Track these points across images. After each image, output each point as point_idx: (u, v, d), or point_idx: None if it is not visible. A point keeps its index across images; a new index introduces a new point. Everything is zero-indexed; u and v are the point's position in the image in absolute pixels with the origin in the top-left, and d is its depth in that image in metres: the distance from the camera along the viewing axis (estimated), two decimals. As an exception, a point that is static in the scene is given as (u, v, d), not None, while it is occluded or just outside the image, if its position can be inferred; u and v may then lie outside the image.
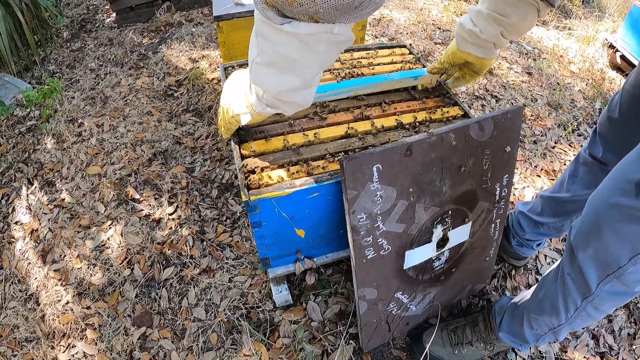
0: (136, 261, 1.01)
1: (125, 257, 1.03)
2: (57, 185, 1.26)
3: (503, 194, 0.76)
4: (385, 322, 0.80)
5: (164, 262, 1.01)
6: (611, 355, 0.89)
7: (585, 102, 1.69)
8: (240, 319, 0.89)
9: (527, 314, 0.71)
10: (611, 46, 1.93)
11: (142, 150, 1.32)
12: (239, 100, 0.63)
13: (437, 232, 0.72)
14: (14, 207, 1.22)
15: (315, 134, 0.74)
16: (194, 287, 0.96)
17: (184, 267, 1.00)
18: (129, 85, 1.62)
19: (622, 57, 1.84)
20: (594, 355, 0.88)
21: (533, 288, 0.74)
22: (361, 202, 0.59)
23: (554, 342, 0.88)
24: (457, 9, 2.34)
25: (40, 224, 1.16)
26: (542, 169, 1.34)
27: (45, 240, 1.11)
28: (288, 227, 0.72)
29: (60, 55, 1.90)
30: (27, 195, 1.24)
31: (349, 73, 0.89)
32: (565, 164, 1.38)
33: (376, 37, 1.97)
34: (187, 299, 0.94)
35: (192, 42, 1.86)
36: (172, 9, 2.12)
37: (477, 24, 0.71)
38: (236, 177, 1.23)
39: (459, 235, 0.76)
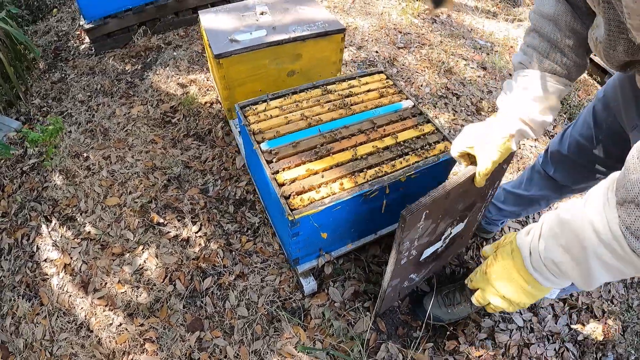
0: (176, 277, 1.20)
1: (166, 275, 1.21)
2: (78, 219, 1.40)
3: (491, 192, 0.98)
4: (397, 293, 1.05)
5: (201, 275, 1.21)
6: (571, 298, 1.21)
7: None
8: (277, 310, 1.12)
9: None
10: None
11: (155, 177, 1.48)
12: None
13: (447, 233, 0.95)
14: (37, 246, 1.35)
15: (330, 164, 0.97)
16: (233, 290, 1.17)
17: (220, 275, 1.21)
18: (124, 115, 1.75)
19: None
20: (557, 301, 1.20)
21: None
22: (409, 236, 0.78)
23: None
24: (414, 10, 2.62)
25: (71, 258, 1.30)
26: (510, 166, 1.65)
27: (81, 272, 1.27)
28: (316, 232, 0.96)
29: (42, 88, 1.98)
30: (49, 232, 1.38)
31: (344, 106, 1.13)
32: (531, 160, 1.67)
33: (346, 47, 2.20)
34: (229, 301, 1.15)
35: (176, 66, 2.00)
36: (148, 33, 2.23)
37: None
38: (247, 192, 1.44)
39: (459, 228, 0.98)
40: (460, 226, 0.99)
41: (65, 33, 2.42)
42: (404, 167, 0.96)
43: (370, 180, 0.92)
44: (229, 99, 1.47)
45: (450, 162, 1.04)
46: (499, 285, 0.54)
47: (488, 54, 2.29)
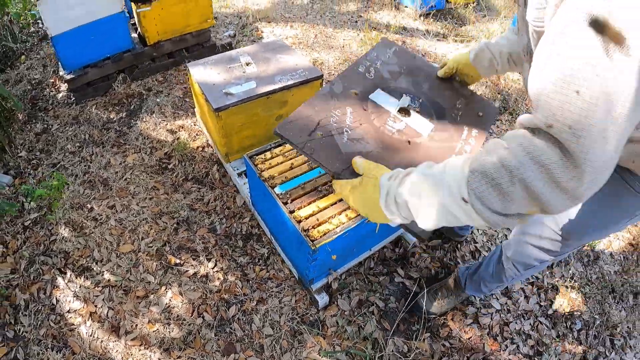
0: (203, 310, 1.40)
1: (193, 310, 1.41)
2: (94, 268, 1.55)
3: (470, 142, 0.99)
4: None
5: (225, 305, 1.42)
6: (538, 280, 1.55)
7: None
8: (298, 324, 1.36)
9: (482, 281, 1.27)
10: None
11: (164, 221, 1.67)
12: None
13: (404, 101, 1.04)
14: (56, 299, 1.48)
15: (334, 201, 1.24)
16: (256, 314, 1.39)
17: (242, 303, 1.42)
18: (120, 164, 1.92)
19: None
20: (527, 285, 1.54)
21: (483, 262, 1.28)
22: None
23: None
24: (372, 40, 3.00)
25: (96, 305, 1.45)
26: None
27: (108, 317, 1.42)
28: (328, 256, 1.22)
29: (25, 140, 2.08)
30: (66, 284, 1.51)
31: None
32: None
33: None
34: (255, 324, 1.37)
35: (162, 112, 2.20)
36: (127, 80, 2.40)
37: (499, 60, 1.03)
38: (252, 227, 1.67)
39: (420, 124, 1.00)
40: (425, 126, 1.01)
41: (39, 81, 2.53)
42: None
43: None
44: (227, 145, 1.71)
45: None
46: (355, 201, 0.74)
47: None
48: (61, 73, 2.29)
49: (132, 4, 2.35)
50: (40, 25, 3.25)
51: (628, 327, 1.49)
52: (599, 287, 1.59)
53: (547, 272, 1.61)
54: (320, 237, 1.12)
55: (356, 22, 3.36)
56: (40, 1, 1.98)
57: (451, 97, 1.13)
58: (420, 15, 3.48)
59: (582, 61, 0.46)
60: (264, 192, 1.31)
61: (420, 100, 1.08)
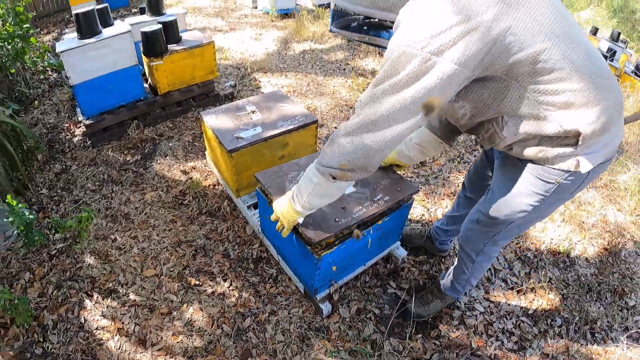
0: (222, 322, 1.65)
1: (213, 322, 1.65)
2: (120, 291, 1.79)
3: (379, 202, 1.51)
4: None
5: (241, 317, 1.66)
6: (517, 285, 1.83)
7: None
8: (305, 331, 1.61)
9: (454, 280, 1.58)
10: None
11: (182, 249, 1.94)
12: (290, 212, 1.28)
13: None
14: (84, 318, 1.70)
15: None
16: (268, 324, 1.64)
17: (256, 315, 1.67)
18: (139, 200, 2.22)
19: None
20: (507, 290, 1.82)
21: (452, 268, 1.61)
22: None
23: (473, 289, 1.79)
24: (359, 86, 3.46)
25: (123, 322, 1.68)
26: (444, 194, 2.35)
27: (135, 332, 1.65)
28: (329, 267, 1.50)
29: (46, 179, 2.38)
30: (94, 305, 1.75)
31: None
32: (458, 186, 2.40)
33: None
34: (268, 332, 1.61)
35: (174, 155, 2.54)
36: (140, 126, 2.76)
37: (411, 151, 1.45)
38: (261, 252, 1.95)
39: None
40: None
41: (54, 125, 2.88)
42: (381, 213, 1.57)
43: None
44: (237, 182, 2.03)
45: (408, 207, 1.67)
46: (280, 207, 1.34)
47: None
48: (80, 118, 2.65)
49: (144, 57, 2.78)
50: (50, 73, 3.68)
51: (608, 321, 1.75)
52: (577, 288, 1.88)
53: (525, 277, 1.90)
54: (322, 249, 1.42)
55: (344, 69, 3.87)
56: (63, 53, 2.37)
57: (380, 176, 1.63)
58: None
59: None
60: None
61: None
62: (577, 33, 0.91)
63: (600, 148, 1.00)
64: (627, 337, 1.67)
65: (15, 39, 2.82)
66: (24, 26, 2.89)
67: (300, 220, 1.33)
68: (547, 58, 0.85)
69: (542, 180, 1.07)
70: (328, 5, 5.76)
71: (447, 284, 1.63)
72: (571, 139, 0.97)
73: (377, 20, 1.01)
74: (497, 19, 0.81)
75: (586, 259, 2.05)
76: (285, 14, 5.74)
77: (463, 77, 0.86)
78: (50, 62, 3.21)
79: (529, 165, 1.09)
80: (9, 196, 1.62)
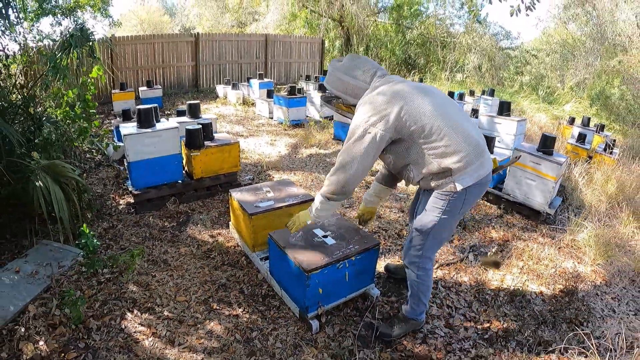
0: (235, 332, 2.35)
1: (228, 331, 2.36)
2: (156, 309, 2.53)
3: (349, 247, 2.40)
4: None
5: (250, 330, 2.37)
6: (474, 318, 2.53)
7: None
8: (299, 341, 2.30)
9: (410, 302, 2.33)
10: None
11: (208, 286, 2.74)
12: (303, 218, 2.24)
13: (325, 234, 2.38)
14: (125, 325, 2.41)
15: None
16: (270, 335, 2.34)
17: (261, 330, 2.38)
18: (175, 252, 3.08)
19: None
20: (465, 321, 2.51)
21: (408, 295, 2.39)
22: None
23: (425, 308, 2.42)
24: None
25: (156, 329, 2.39)
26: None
27: (166, 336, 2.35)
28: (317, 287, 2.30)
29: (95, 231, 3.26)
30: (133, 317, 2.47)
31: (322, 229, 2.66)
32: None
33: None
34: (269, 341, 2.30)
35: (204, 225, 3.49)
36: (177, 202, 3.77)
37: (373, 199, 2.45)
38: (269, 291, 2.72)
39: (328, 239, 2.42)
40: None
41: (101, 195, 3.89)
42: (354, 254, 2.42)
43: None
44: (254, 239, 2.93)
45: (375, 252, 2.51)
46: (299, 222, 2.28)
47: (404, 202, 4.13)
48: (130, 189, 3.67)
49: (185, 149, 3.94)
50: (95, 154, 4.87)
51: (564, 346, 2.36)
52: (532, 320, 2.53)
53: (482, 312, 2.59)
54: (312, 271, 2.25)
55: (343, 170, 5.01)
56: (127, 137, 3.50)
57: (353, 234, 2.56)
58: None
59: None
60: (279, 255, 2.47)
61: (332, 233, 2.58)
62: (452, 112, 1.92)
63: (467, 176, 1.89)
64: (579, 349, 2.30)
65: (81, 120, 3.96)
66: (90, 111, 4.06)
67: (309, 222, 2.26)
68: (429, 129, 1.86)
69: (439, 199, 2.00)
70: (331, 118, 7.33)
71: (407, 308, 2.37)
72: (447, 172, 1.92)
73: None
74: (397, 110, 1.86)
75: (542, 299, 2.77)
76: (297, 124, 7.32)
77: (386, 138, 1.89)
78: (107, 143, 4.38)
79: (433, 192, 2.03)
80: (84, 225, 2.54)
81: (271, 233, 2.57)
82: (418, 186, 2.16)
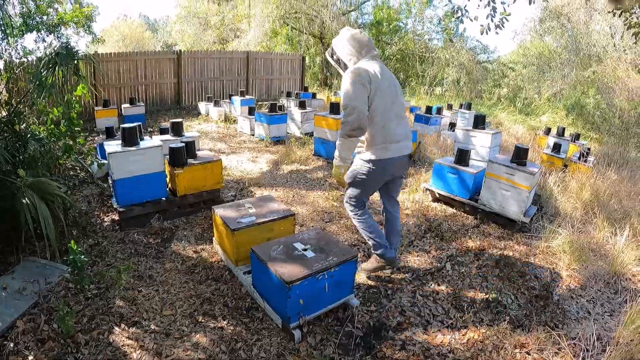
0: (220, 343, 2.49)
1: (214, 343, 2.50)
2: (143, 323, 2.65)
3: (330, 260, 2.63)
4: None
5: (235, 341, 2.52)
6: (452, 325, 2.73)
7: (415, 228, 4.01)
8: (282, 350, 2.46)
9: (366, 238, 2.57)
10: (429, 189, 4.61)
11: (193, 299, 2.87)
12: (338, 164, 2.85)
13: (305, 248, 2.59)
14: (112, 339, 2.53)
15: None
16: (254, 346, 2.49)
17: (246, 341, 2.53)
18: (160, 267, 3.21)
19: (438, 193, 4.47)
20: (443, 327, 2.72)
21: None
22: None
23: (374, 246, 3.03)
24: (334, 196, 4.75)
25: (144, 342, 2.51)
26: (412, 260, 3.37)
27: (153, 348, 2.47)
28: (298, 298, 2.47)
29: (81, 248, 3.35)
30: (121, 331, 2.59)
31: (303, 243, 2.85)
32: (431, 254, 3.43)
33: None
34: (254, 351, 2.46)
35: (188, 241, 3.63)
36: (161, 219, 3.90)
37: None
38: (252, 304, 2.88)
39: (309, 253, 2.62)
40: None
41: (85, 212, 3.99)
42: (332, 266, 2.61)
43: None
44: (236, 254, 3.09)
45: (352, 264, 2.71)
46: (334, 174, 2.92)
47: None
48: (114, 206, 3.79)
49: (169, 166, 4.09)
50: (79, 172, 4.96)
51: (537, 348, 2.57)
52: (508, 325, 2.74)
53: (459, 319, 2.80)
54: (292, 282, 2.43)
55: (322, 185, 5.24)
56: (111, 155, 3.64)
57: (332, 247, 2.79)
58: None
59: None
60: (261, 269, 2.65)
61: (312, 246, 2.79)
62: (398, 107, 2.86)
63: (380, 152, 2.77)
64: (554, 350, 2.51)
65: (66, 137, 4.06)
66: (75, 129, 4.16)
67: (342, 171, 2.83)
68: (376, 107, 2.72)
69: (360, 163, 2.85)
70: (311, 134, 7.58)
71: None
72: (368, 145, 2.79)
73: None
74: (371, 81, 2.70)
75: (518, 304, 3.01)
76: (278, 141, 7.53)
77: (367, 87, 2.68)
78: (92, 160, 4.48)
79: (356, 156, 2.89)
80: (72, 241, 2.66)
81: (253, 247, 2.75)
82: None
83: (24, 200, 2.92)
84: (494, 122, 12.65)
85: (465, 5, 5.42)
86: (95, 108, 7.97)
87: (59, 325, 2.46)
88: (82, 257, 2.65)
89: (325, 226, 4.10)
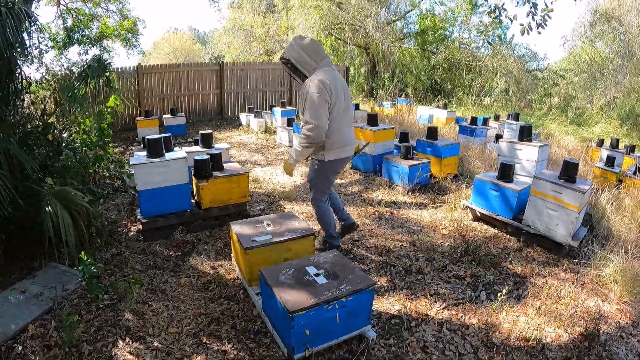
0: (223, 370, 2.40)
1: (215, 370, 2.41)
2: (147, 339, 2.61)
3: (333, 280, 2.50)
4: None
5: (237, 368, 2.42)
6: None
7: (451, 250, 3.73)
8: (285, 383, 2.32)
9: (324, 230, 2.38)
10: (469, 207, 4.29)
11: (201, 319, 2.81)
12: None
13: (317, 273, 2.39)
14: (115, 352, 2.50)
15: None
16: (257, 375, 2.37)
17: (249, 368, 2.42)
18: (175, 282, 3.20)
19: (479, 212, 4.14)
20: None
21: None
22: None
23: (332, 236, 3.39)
24: (367, 213, 4.55)
25: (144, 359, 2.47)
26: (422, 296, 3.12)
27: None
28: (303, 328, 2.32)
29: (103, 257, 3.43)
30: (125, 345, 2.56)
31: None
32: (438, 289, 3.16)
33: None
34: (256, 381, 2.34)
35: (208, 255, 3.61)
36: (184, 231, 3.92)
37: None
38: (261, 327, 2.76)
39: (320, 279, 2.42)
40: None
41: (114, 221, 4.10)
42: (344, 295, 2.43)
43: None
44: (250, 274, 2.99)
45: (370, 293, 2.51)
46: (284, 168, 3.48)
47: (417, 235, 4.10)
48: (138, 217, 3.85)
49: (194, 178, 4.11)
50: (115, 180, 5.14)
51: None
52: None
53: (489, 358, 2.52)
54: (296, 311, 2.28)
55: (356, 200, 5.06)
56: (135, 166, 3.70)
57: (345, 270, 2.61)
58: (408, 191, 5.18)
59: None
60: (268, 293, 2.52)
61: (325, 271, 2.64)
62: (350, 113, 3.38)
63: (333, 154, 3.27)
64: None
65: (97, 147, 4.26)
66: (106, 139, 4.37)
67: (294, 174, 3.09)
68: (335, 115, 3.16)
69: (320, 164, 3.30)
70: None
71: (324, 233, 3.68)
72: (327, 147, 3.21)
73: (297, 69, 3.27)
74: (332, 93, 3.09)
75: (558, 344, 2.65)
76: (315, 155, 7.43)
77: (327, 104, 3.07)
78: (122, 171, 4.66)
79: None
80: (83, 252, 2.69)
81: (262, 269, 2.64)
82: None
83: (47, 208, 3.03)
84: (544, 134, 11.79)
85: (503, 4, 4.95)
86: (137, 118, 8.38)
87: (65, 334, 2.49)
88: (92, 268, 2.67)
89: (351, 248, 3.92)
